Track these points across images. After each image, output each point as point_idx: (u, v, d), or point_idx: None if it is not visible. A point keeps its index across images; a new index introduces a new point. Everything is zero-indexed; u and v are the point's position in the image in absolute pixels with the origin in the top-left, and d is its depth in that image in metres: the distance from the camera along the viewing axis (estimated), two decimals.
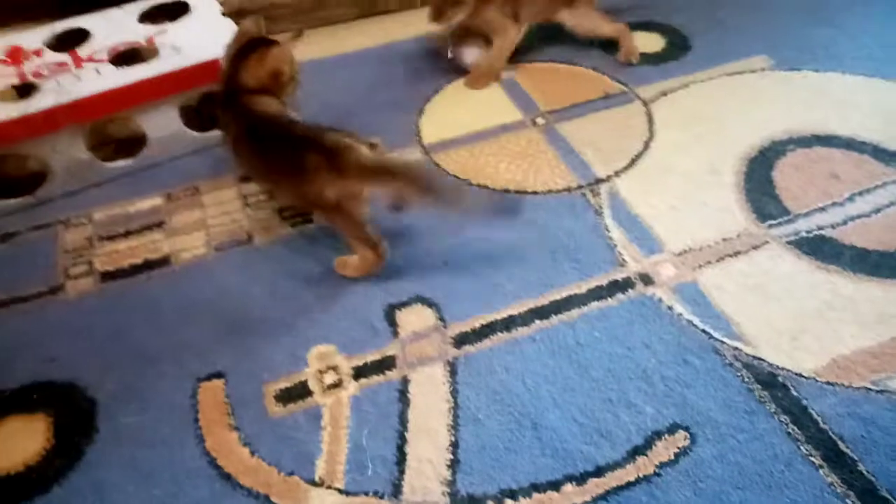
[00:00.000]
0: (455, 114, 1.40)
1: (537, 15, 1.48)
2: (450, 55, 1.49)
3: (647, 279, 1.06)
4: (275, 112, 1.09)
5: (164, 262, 1.13)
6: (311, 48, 1.59)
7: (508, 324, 1.01)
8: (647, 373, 0.93)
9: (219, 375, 0.97)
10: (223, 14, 1.37)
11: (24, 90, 1.21)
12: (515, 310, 1.03)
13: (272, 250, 1.14)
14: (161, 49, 1.17)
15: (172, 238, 1.16)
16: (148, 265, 1.12)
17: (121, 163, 1.26)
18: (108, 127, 1.31)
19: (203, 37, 1.30)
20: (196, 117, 1.32)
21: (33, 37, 1.32)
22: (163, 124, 1.26)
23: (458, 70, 1.49)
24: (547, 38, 1.57)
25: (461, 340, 0.99)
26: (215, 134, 1.32)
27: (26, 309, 1.06)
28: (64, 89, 1.18)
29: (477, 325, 1.01)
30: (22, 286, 1.09)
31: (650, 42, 1.55)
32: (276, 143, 1.04)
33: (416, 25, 1.62)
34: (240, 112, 1.07)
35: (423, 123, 1.38)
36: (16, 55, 1.27)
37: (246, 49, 1.10)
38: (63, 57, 1.27)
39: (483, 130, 1.35)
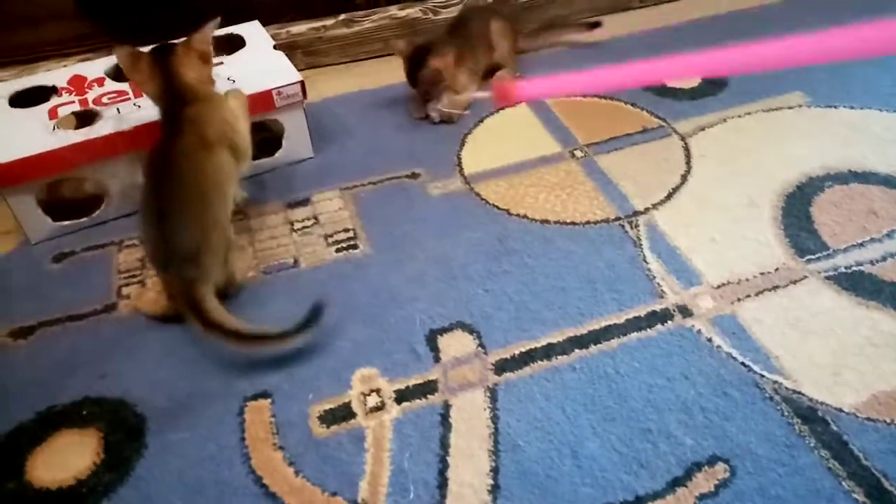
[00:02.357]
0: (495, 146, 1.43)
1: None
2: (433, 115, 1.50)
3: (685, 311, 1.07)
4: None
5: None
6: (353, 81, 1.65)
7: (548, 352, 1.02)
8: (687, 404, 0.94)
9: (265, 395, 0.99)
10: (274, 47, 1.43)
11: (85, 117, 1.27)
12: (555, 338, 1.04)
13: (318, 275, 1.17)
14: (217, 80, 1.22)
15: None
16: None
17: None
18: None
19: (256, 69, 1.35)
20: None
21: (95, 66, 1.39)
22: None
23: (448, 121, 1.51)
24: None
25: (502, 367, 1.01)
26: (264, 161, 1.36)
27: (81, 326, 1.11)
28: (123, 117, 1.24)
29: (517, 352, 1.03)
30: (77, 304, 1.14)
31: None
32: None
33: None
34: None
35: (464, 155, 1.41)
36: (79, 84, 1.34)
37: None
38: (122, 86, 1.33)
39: (522, 162, 1.38)
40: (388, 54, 1.70)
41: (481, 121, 1.50)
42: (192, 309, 1.02)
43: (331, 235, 1.25)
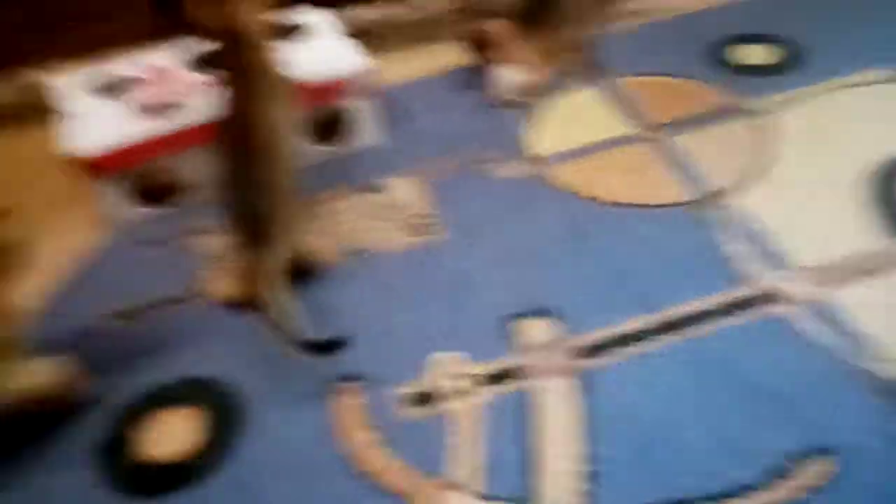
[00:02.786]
0: (564, 127, 1.42)
1: None
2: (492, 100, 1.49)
3: (774, 297, 1.05)
4: None
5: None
6: (418, 66, 1.65)
7: (633, 338, 1.03)
8: (785, 394, 0.93)
9: (353, 378, 1.03)
10: (343, 35, 1.44)
11: (167, 108, 1.31)
12: (639, 324, 1.04)
13: (395, 260, 1.20)
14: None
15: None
16: None
17: None
18: None
19: (326, 56, 1.37)
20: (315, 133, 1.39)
21: (173, 57, 1.42)
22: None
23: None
24: (654, 51, 1.58)
25: (586, 352, 1.02)
26: (336, 149, 1.39)
27: (175, 310, 1.15)
28: (204, 108, 1.27)
29: (601, 337, 1.04)
30: (169, 288, 1.18)
31: (763, 54, 1.54)
32: None
33: None
34: None
35: (533, 137, 1.41)
36: (158, 74, 1.37)
37: None
38: (201, 77, 1.36)
39: (592, 144, 1.38)
40: (453, 39, 1.70)
41: (550, 102, 1.50)
42: (255, 272, 1.03)
43: (405, 220, 1.27)
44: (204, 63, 1.40)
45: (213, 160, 1.12)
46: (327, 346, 1.01)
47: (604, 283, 1.11)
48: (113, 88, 1.35)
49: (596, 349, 1.02)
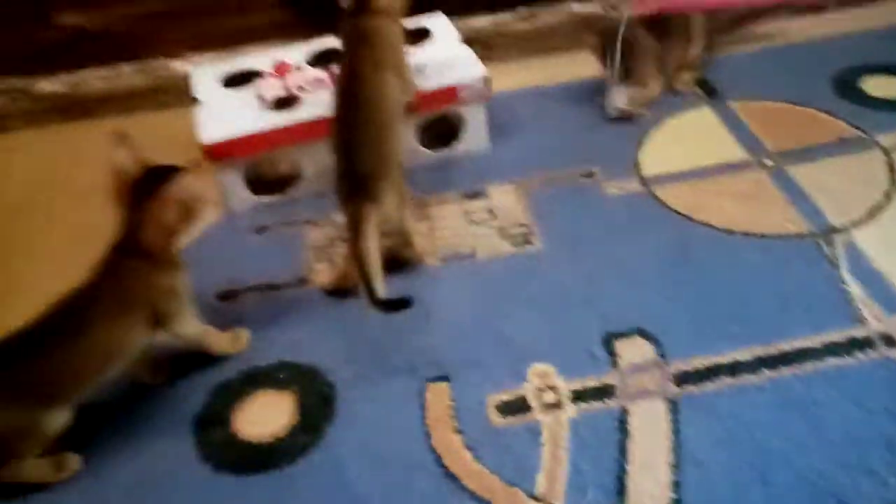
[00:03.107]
0: (676, 148, 1.39)
1: None
2: (611, 111, 1.47)
3: (890, 340, 0.99)
4: None
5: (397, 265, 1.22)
6: (530, 76, 1.65)
7: (734, 369, 0.99)
8: (892, 441, 0.88)
9: (444, 378, 1.03)
10: (460, 41, 1.46)
11: (287, 101, 1.36)
12: (742, 355, 1.00)
13: (493, 267, 1.20)
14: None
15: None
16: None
17: None
18: None
19: (442, 62, 1.39)
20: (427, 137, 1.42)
21: (296, 53, 1.48)
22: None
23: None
24: (778, 76, 1.53)
25: (683, 379, 0.99)
26: (442, 152, 1.41)
27: (277, 295, 1.20)
28: (323, 103, 1.32)
29: (700, 365, 1.00)
30: (273, 274, 1.23)
31: (891, 86, 1.46)
32: None
33: None
34: None
35: (643, 156, 1.38)
36: (282, 69, 1.44)
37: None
38: (321, 73, 1.42)
39: (706, 167, 1.34)
40: (567, 50, 1.70)
41: (662, 121, 1.46)
42: (353, 230, 1.05)
43: (506, 229, 1.27)
44: (325, 60, 1.46)
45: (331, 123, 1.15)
46: (396, 305, 1.03)
47: (709, 310, 1.07)
48: (240, 80, 1.42)
49: (693, 376, 0.99)
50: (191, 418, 1.02)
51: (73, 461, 0.97)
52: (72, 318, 0.94)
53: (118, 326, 0.96)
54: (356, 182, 1.07)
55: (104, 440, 1.00)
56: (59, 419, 0.93)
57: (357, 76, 1.14)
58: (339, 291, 1.17)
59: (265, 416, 1.02)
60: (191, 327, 1.03)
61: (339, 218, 1.14)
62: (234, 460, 0.97)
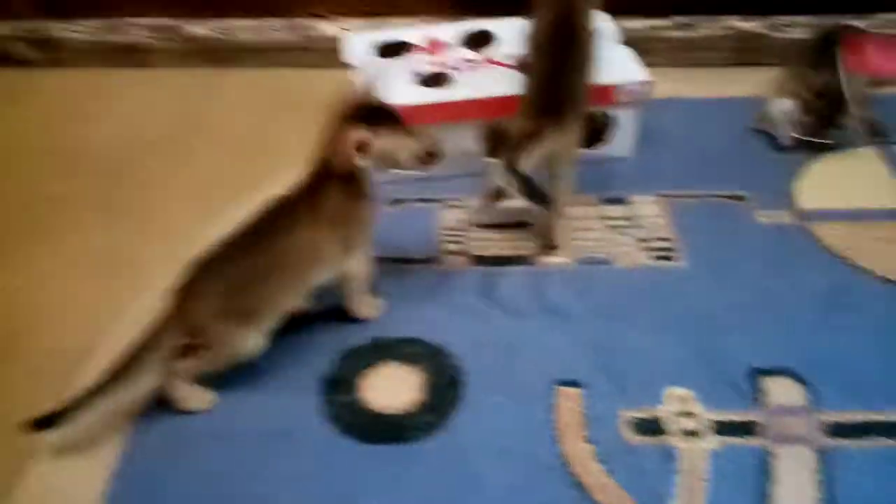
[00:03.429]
0: (837, 185, 1.31)
1: None
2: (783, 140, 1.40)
3: None
4: None
5: (526, 260, 1.20)
6: (680, 86, 1.59)
7: (891, 430, 0.93)
8: None
9: (576, 384, 1.00)
10: (621, 43, 1.41)
11: (437, 79, 1.35)
12: None
13: (632, 277, 1.16)
14: None
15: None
16: (512, 260, 1.20)
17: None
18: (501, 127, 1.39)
19: (602, 62, 1.34)
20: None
21: (448, 31, 1.47)
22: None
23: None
24: None
25: (835, 431, 0.93)
26: (583, 152, 1.36)
27: (410, 269, 1.19)
28: (475, 85, 1.30)
29: (854, 419, 0.94)
30: (406, 249, 1.22)
31: None
32: None
33: None
34: None
35: (800, 188, 1.31)
36: (434, 46, 1.42)
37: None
38: (473, 54, 1.39)
39: (868, 210, 1.26)
40: (723, 65, 1.63)
41: (822, 155, 1.38)
42: (523, 140, 1.09)
43: (646, 240, 1.22)
44: (475, 42, 1.44)
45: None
46: (541, 198, 1.11)
47: (866, 362, 1.01)
48: (394, 51, 1.41)
49: (847, 430, 0.93)
50: (319, 378, 1.02)
51: (212, 397, 1.00)
52: (273, 228, 0.98)
53: (315, 242, 0.99)
54: (551, 104, 1.12)
55: (235, 387, 1.01)
56: (256, 340, 0.98)
57: (574, 20, 1.19)
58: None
59: (391, 388, 1.01)
60: (363, 265, 1.06)
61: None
62: (358, 425, 0.97)
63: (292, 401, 1.00)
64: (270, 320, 0.99)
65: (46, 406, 0.93)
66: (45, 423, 0.92)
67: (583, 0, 1.22)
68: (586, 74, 1.19)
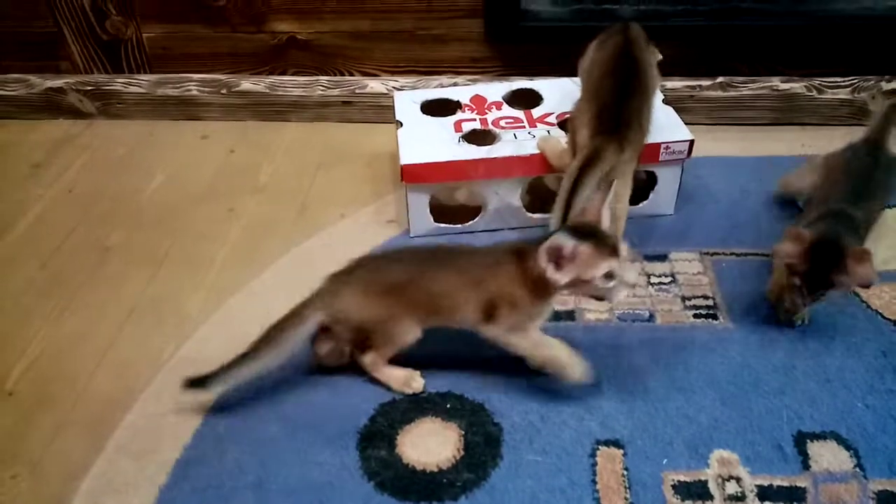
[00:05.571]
0: (882, 246, 1.30)
1: None
2: None
3: None
4: None
5: (569, 315, 1.20)
6: (720, 145, 1.60)
7: None
8: None
9: (617, 444, 0.99)
10: (664, 101, 1.44)
11: (482, 136, 1.38)
12: None
13: (675, 335, 1.15)
14: None
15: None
16: (556, 315, 1.20)
17: (542, 215, 1.38)
18: (543, 183, 1.43)
19: None
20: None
21: (494, 89, 1.51)
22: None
23: None
24: None
25: (886, 501, 0.90)
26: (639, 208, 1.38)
27: None
28: (519, 143, 1.33)
29: None
30: None
31: None
32: None
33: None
34: None
35: None
36: (479, 103, 1.46)
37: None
38: (518, 113, 1.43)
39: None
40: (760, 124, 1.64)
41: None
42: (585, 161, 1.14)
43: (688, 298, 1.22)
44: (518, 100, 1.48)
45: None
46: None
47: None
48: (438, 108, 1.46)
49: (894, 498, 0.90)
50: (356, 432, 1.03)
51: (418, 377, 1.10)
52: (446, 261, 1.04)
53: (463, 291, 1.02)
54: (615, 123, 1.18)
55: (274, 440, 1.02)
56: (415, 333, 1.05)
57: (638, 57, 1.27)
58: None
59: (429, 444, 1.01)
60: (526, 342, 1.03)
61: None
62: (395, 482, 0.97)
63: (329, 456, 1.00)
64: (394, 349, 1.05)
65: (78, 451, 0.97)
66: (199, 383, 1.02)
67: (642, 35, 1.31)
68: (646, 101, 1.24)
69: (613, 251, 0.93)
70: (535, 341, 1.03)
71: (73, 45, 1.75)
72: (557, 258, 0.93)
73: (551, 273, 0.94)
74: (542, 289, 0.97)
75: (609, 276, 0.93)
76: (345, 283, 1.05)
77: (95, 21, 1.71)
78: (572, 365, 1.03)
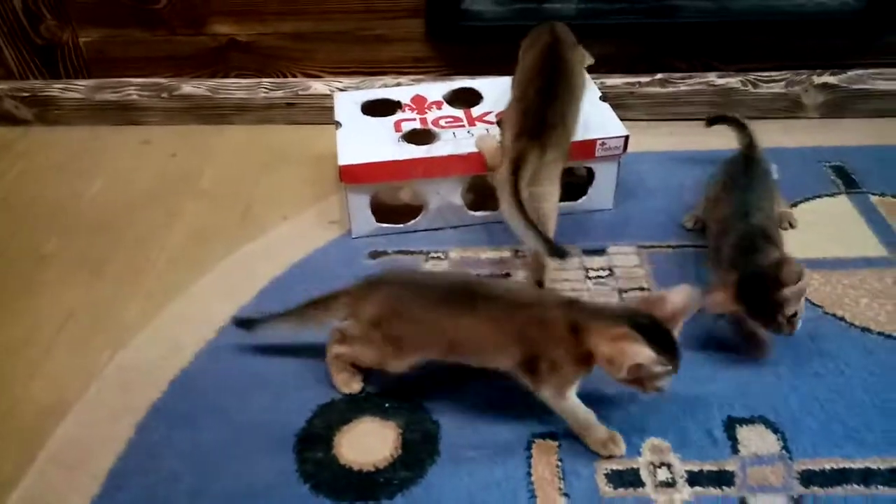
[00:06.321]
0: (809, 235, 1.34)
1: None
2: None
3: None
4: None
5: None
6: (658, 140, 1.63)
7: (866, 477, 0.93)
8: None
9: (553, 437, 1.01)
10: (601, 98, 1.46)
11: (422, 135, 1.38)
12: (875, 464, 0.94)
13: None
14: None
15: None
16: None
17: (483, 213, 1.39)
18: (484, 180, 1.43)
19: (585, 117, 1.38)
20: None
21: (434, 89, 1.52)
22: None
23: None
24: None
25: (809, 479, 0.93)
26: (566, 205, 1.39)
27: None
28: (459, 142, 1.34)
29: (827, 467, 0.95)
30: None
31: None
32: None
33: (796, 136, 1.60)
34: None
35: None
36: (420, 103, 1.47)
37: None
38: (458, 112, 1.44)
39: (841, 258, 1.28)
40: (699, 118, 1.67)
41: (794, 206, 1.42)
42: (513, 166, 1.13)
43: (625, 291, 1.24)
44: (460, 100, 1.49)
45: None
46: (560, 252, 1.10)
47: (840, 409, 1.02)
48: (379, 108, 1.46)
49: (821, 478, 0.94)
50: (293, 435, 1.03)
51: (360, 386, 1.09)
52: (477, 306, 0.98)
53: (497, 337, 0.97)
54: (539, 125, 1.18)
55: (212, 443, 1.01)
56: (397, 366, 1.04)
57: (564, 56, 1.29)
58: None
59: (367, 443, 1.02)
60: (559, 400, 0.98)
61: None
62: (332, 483, 0.97)
63: (266, 459, 0.99)
64: (413, 360, 1.04)
65: (8, 464, 0.97)
66: (245, 324, 1.11)
67: (569, 36, 1.32)
68: (572, 101, 1.25)
69: (676, 354, 0.90)
70: (570, 405, 0.98)
71: (7, 50, 1.71)
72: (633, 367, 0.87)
73: (614, 373, 0.90)
74: (589, 362, 0.93)
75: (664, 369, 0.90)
76: (371, 294, 1.03)
77: (29, 25, 1.67)
78: (600, 436, 0.99)
